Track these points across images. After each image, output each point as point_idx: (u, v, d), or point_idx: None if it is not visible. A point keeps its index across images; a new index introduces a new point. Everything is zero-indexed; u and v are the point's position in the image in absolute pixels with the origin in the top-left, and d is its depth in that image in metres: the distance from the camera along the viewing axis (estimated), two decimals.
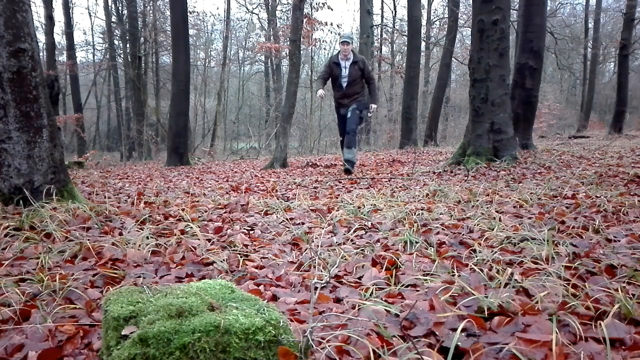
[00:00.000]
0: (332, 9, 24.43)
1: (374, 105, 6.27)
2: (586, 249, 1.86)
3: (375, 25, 19.96)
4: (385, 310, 1.30)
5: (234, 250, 2.05)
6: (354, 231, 2.32)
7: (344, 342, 1.11)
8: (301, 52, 7.90)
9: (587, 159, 5.84)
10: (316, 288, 1.48)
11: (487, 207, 2.77)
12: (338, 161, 8.40)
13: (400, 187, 4.27)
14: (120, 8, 20.34)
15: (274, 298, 1.49)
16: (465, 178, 4.60)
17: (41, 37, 15.76)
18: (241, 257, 1.93)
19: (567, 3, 23.01)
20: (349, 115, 6.07)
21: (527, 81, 7.68)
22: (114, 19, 20.38)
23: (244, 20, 25.49)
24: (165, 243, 2.10)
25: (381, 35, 22.58)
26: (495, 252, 1.81)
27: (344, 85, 6.11)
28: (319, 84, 6.33)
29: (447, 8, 17.15)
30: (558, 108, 23.38)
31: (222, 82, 21.90)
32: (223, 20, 23.04)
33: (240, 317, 0.99)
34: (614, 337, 1.10)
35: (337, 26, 21.14)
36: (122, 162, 14.21)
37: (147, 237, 2.13)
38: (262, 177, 6.13)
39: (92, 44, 25.60)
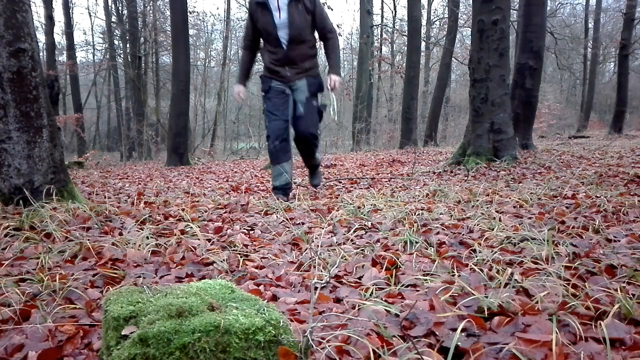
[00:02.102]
0: (332, 9, 24.36)
1: (335, 78, 3.55)
2: (586, 249, 1.85)
3: (375, 25, 19.98)
4: (385, 310, 1.30)
5: (234, 250, 2.05)
6: (354, 231, 2.32)
7: (344, 342, 1.11)
8: None
9: (587, 159, 5.85)
10: (316, 288, 1.48)
11: (487, 207, 2.77)
12: (338, 161, 8.40)
13: (400, 187, 4.27)
14: (120, 8, 20.38)
15: (274, 298, 1.49)
16: (465, 178, 4.60)
17: (41, 37, 15.79)
18: (241, 257, 1.93)
19: (567, 3, 23.04)
20: (301, 109, 3.56)
21: (527, 81, 7.68)
22: (114, 19, 20.41)
23: (244, 20, 25.52)
24: (165, 243, 2.10)
25: (381, 35, 22.62)
26: (495, 252, 1.81)
27: (284, 43, 3.50)
28: (243, 64, 3.79)
29: (447, 8, 17.16)
30: (558, 108, 23.41)
31: (222, 82, 21.94)
32: (223, 20, 23.09)
33: (240, 317, 0.99)
34: (614, 337, 1.10)
35: (337, 26, 21.17)
36: (122, 162, 14.21)
37: (147, 237, 2.13)
38: (262, 177, 6.13)
39: (92, 44, 25.68)
